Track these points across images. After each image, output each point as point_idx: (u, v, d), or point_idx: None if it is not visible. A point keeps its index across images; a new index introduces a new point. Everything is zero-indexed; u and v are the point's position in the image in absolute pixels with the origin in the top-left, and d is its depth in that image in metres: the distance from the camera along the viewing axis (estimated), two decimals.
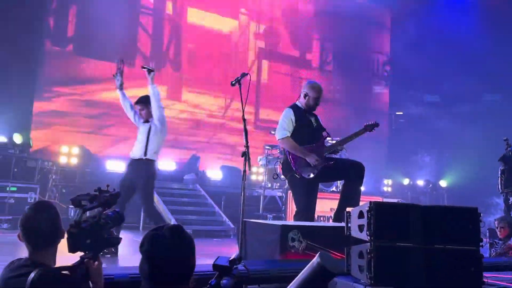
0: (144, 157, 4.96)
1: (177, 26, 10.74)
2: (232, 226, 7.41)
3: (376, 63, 13.94)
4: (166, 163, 9.13)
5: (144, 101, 5.18)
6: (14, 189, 6.66)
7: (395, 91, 13.71)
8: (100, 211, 1.81)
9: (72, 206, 5.85)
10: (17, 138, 7.38)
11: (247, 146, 3.86)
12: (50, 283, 1.62)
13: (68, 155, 8.06)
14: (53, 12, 9.29)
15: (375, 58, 13.96)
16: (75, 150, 8.12)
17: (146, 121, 5.16)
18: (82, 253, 1.77)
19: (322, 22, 12.84)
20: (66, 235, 1.72)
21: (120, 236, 1.87)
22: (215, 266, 1.77)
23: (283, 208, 8.19)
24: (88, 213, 1.81)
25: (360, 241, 3.16)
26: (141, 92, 9.89)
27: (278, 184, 8.60)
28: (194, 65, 10.85)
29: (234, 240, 6.34)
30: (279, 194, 8.42)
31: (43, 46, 8.98)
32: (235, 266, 1.77)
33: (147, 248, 1.59)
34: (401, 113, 14.31)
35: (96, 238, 1.74)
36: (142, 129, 5.12)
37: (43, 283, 1.59)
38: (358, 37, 13.47)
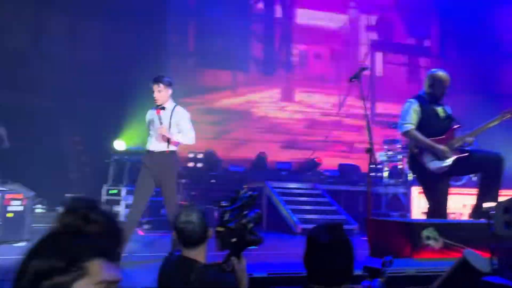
0: None
1: (287, 28, 10.90)
2: (355, 224, 7.25)
3: (509, 43, 12.48)
4: (284, 163, 9.33)
5: None
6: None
7: None
8: (239, 212, 1.90)
9: (210, 207, 6.31)
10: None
11: (371, 143, 3.76)
12: (212, 279, 1.76)
13: (195, 159, 8.66)
14: (174, 31, 10.09)
15: (507, 37, 12.51)
16: (201, 155, 8.69)
17: None
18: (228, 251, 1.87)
19: (440, 4, 11.93)
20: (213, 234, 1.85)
21: (262, 236, 1.93)
22: (366, 268, 1.75)
23: (406, 206, 7.77)
24: (229, 214, 1.91)
25: (508, 239, 2.87)
26: (256, 96, 10.38)
27: (400, 180, 8.19)
28: (306, 64, 10.90)
29: (357, 239, 6.19)
30: (402, 191, 8.01)
31: (169, 62, 9.80)
32: (384, 269, 1.73)
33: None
34: None
35: (240, 237, 1.84)
36: None
37: (206, 279, 1.73)
38: (484, 17, 12.21)
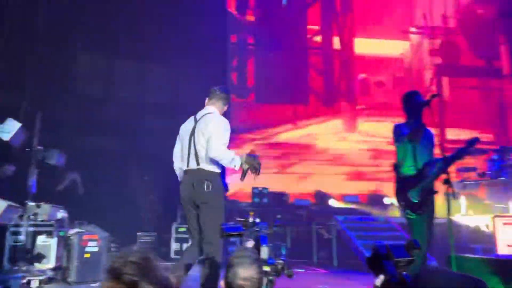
0: None
1: (346, 59, 10.82)
2: (433, 260, 6.76)
3: None
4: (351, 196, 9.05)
5: None
6: None
7: None
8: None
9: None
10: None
11: (448, 172, 3.50)
12: None
13: (260, 195, 8.62)
14: (235, 68, 10.37)
15: None
16: (265, 191, 8.64)
17: None
18: None
19: (508, 23, 11.33)
20: None
21: (292, 269, 1.80)
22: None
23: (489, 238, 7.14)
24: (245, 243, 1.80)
25: None
26: (316, 129, 10.27)
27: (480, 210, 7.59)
28: (368, 94, 10.69)
29: None
30: (485, 222, 7.39)
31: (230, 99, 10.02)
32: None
33: None
34: None
35: (277, 273, 1.72)
36: None
37: None
38: None
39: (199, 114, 3.73)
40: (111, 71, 9.38)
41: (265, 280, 1.72)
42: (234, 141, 9.82)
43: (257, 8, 10.70)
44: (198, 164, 3.47)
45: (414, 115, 3.79)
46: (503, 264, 2.89)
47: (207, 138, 3.48)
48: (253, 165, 3.48)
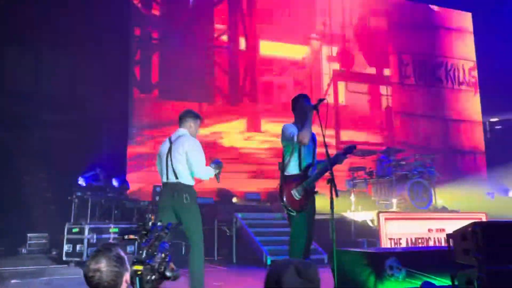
0: None
1: (251, 60, 11.07)
2: (324, 254, 7.22)
3: (461, 70, 13.12)
4: (253, 194, 9.29)
5: None
6: (116, 230, 7.13)
7: (487, 96, 12.74)
8: (157, 245, 1.84)
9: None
10: (115, 182, 7.98)
11: (331, 173, 3.77)
12: None
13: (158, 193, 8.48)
14: (138, 62, 10.07)
15: (460, 65, 13.16)
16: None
17: None
18: None
19: (397, 35, 12.48)
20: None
21: (178, 270, 1.87)
22: None
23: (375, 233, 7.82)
24: (145, 250, 1.84)
25: (467, 266, 2.90)
26: (221, 127, 10.37)
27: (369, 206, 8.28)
28: (271, 95, 11.04)
29: (327, 270, 6.15)
30: (370, 217, 8.07)
31: (132, 94, 9.73)
32: None
33: None
34: (497, 119, 13.23)
35: (161, 274, 1.77)
36: None
37: None
38: (438, 46, 12.87)
39: (173, 136, 4.31)
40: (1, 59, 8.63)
41: (137, 280, 1.74)
42: (135, 138, 9.56)
43: (163, 3, 10.51)
44: (176, 178, 4.10)
45: (301, 117, 4.01)
46: (374, 257, 3.20)
47: (184, 155, 4.14)
48: (220, 169, 4.32)
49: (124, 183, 8.24)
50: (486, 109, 12.88)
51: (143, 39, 10.19)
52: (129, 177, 9.00)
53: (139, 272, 1.74)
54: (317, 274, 1.57)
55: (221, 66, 10.79)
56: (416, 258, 3.31)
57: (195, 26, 10.44)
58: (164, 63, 10.10)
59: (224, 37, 10.91)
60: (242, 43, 10.98)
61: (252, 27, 11.09)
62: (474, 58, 13.25)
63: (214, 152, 10.12)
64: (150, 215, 7.96)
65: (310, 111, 3.92)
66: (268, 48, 11.13)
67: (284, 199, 3.87)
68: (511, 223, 2.84)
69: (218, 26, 10.82)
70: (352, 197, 8.30)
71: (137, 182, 9.15)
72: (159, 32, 10.33)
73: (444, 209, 8.74)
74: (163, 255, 1.82)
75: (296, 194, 3.86)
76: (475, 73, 13.20)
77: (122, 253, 1.83)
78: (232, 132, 10.49)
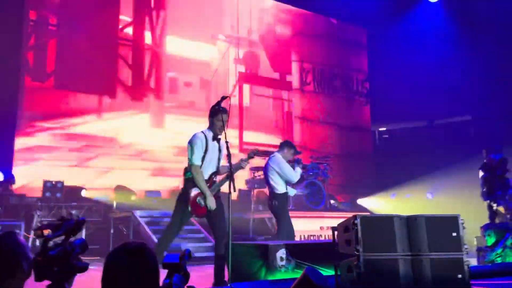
0: None
1: (156, 56, 10.84)
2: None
3: (355, 81, 14.22)
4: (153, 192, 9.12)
5: None
6: None
7: (376, 107, 13.96)
8: (65, 239, 1.80)
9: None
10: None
11: (231, 169, 3.89)
12: None
13: (53, 189, 7.95)
14: (31, 48, 9.32)
15: (354, 76, 14.26)
16: (60, 185, 8.02)
17: None
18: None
19: (300, 44, 13.14)
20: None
21: (87, 262, 1.85)
22: (165, 264, 1.79)
23: (272, 230, 8.16)
24: (52, 242, 1.79)
25: (349, 256, 3.18)
26: (121, 122, 9.99)
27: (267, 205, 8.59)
28: (176, 92, 10.92)
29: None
30: (268, 216, 8.40)
31: (23, 82, 8.96)
32: (183, 262, 1.79)
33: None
34: (384, 128, 14.58)
35: (63, 266, 1.73)
36: None
37: None
38: (335, 57, 13.81)
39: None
40: None
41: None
42: (24, 129, 8.85)
43: None
44: None
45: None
46: (264, 249, 3.38)
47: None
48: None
49: (9, 177, 7.57)
50: (375, 119, 14.11)
51: (39, 23, 9.45)
52: (16, 170, 8.29)
53: (38, 262, 1.67)
54: (147, 253, 1.63)
55: (124, 59, 10.40)
56: (304, 250, 3.55)
57: (98, 15, 9.92)
58: (62, 51, 9.45)
59: (129, 30, 10.53)
60: (148, 38, 10.71)
61: (158, 22, 10.88)
62: (367, 71, 14.44)
63: (112, 148, 9.72)
64: (37, 211, 7.44)
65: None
66: (174, 45, 11.00)
67: (189, 207, 4.01)
68: (386, 217, 3.18)
69: (123, 17, 10.41)
70: (253, 197, 8.56)
71: (25, 176, 8.45)
72: (58, 17, 9.65)
73: (336, 208, 9.41)
74: (69, 248, 1.75)
75: (201, 201, 4.03)
76: (366, 84, 14.38)
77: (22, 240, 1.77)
78: (134, 128, 10.16)
